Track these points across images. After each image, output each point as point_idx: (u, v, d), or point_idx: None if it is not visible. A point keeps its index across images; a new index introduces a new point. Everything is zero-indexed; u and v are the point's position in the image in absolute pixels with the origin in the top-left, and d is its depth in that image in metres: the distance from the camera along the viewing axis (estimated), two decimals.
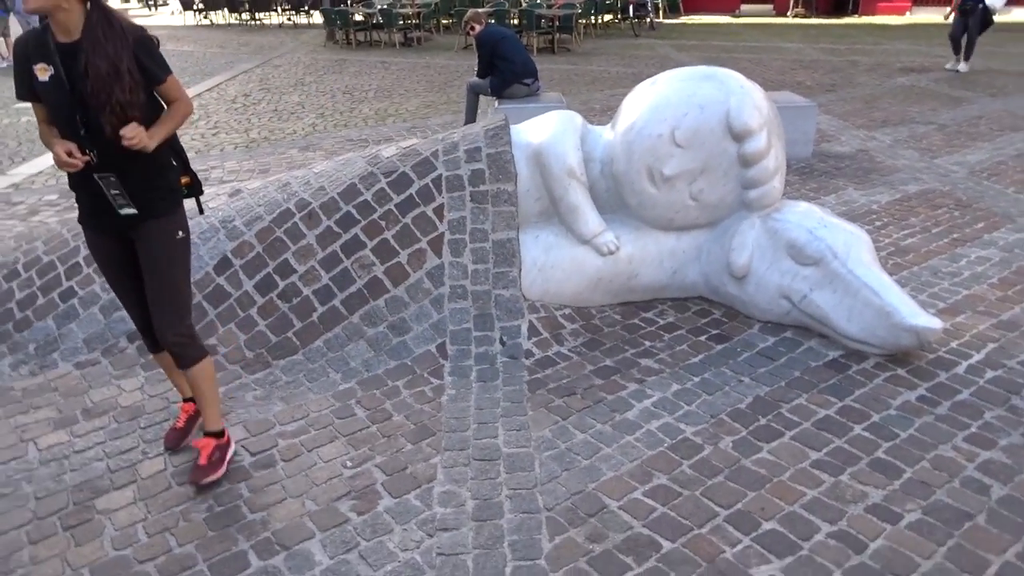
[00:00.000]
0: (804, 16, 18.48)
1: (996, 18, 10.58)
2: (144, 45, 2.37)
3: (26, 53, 2.34)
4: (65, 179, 2.48)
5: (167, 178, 2.57)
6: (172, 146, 2.58)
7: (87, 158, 2.34)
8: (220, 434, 2.78)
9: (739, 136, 3.53)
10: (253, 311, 3.64)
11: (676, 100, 3.62)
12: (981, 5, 10.19)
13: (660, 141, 3.59)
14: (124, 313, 3.65)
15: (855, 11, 18.83)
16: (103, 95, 2.28)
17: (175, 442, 2.89)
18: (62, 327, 3.69)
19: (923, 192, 5.58)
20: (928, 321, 3.19)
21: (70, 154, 2.30)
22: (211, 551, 2.38)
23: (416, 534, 2.41)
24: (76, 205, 2.60)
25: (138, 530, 2.48)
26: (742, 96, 3.56)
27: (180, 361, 2.67)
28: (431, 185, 3.82)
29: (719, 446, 2.80)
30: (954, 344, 3.43)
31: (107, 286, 3.71)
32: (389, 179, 3.87)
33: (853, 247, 3.46)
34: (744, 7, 19.90)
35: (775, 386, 3.16)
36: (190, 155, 7.46)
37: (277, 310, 3.64)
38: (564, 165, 3.72)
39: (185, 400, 3.00)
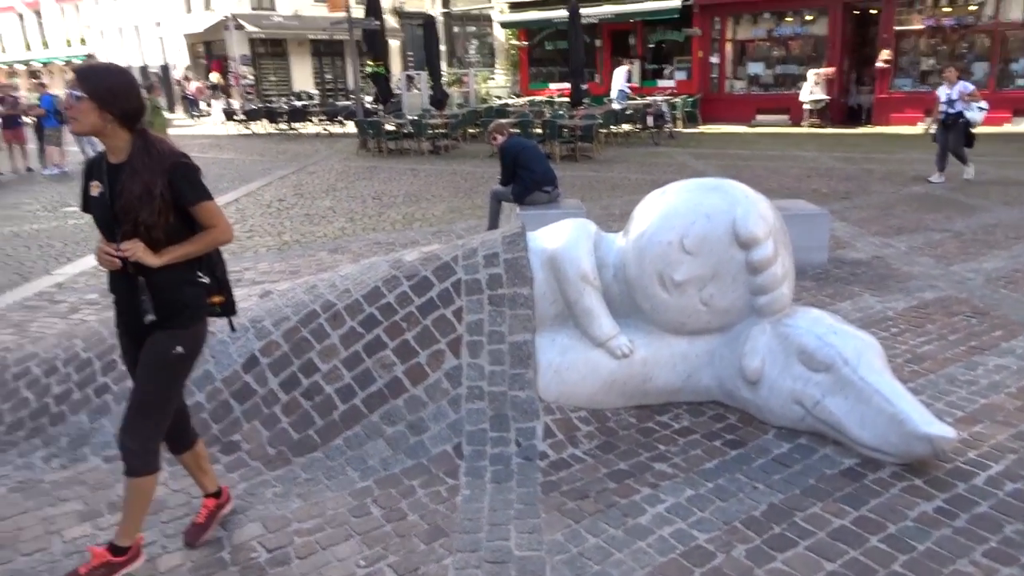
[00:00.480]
0: (819, 126, 19.06)
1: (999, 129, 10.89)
2: (180, 169, 2.58)
3: (88, 172, 2.70)
4: (106, 279, 2.67)
5: (184, 293, 2.68)
6: (208, 265, 2.75)
7: (119, 263, 2.56)
8: (122, 551, 2.69)
9: (745, 244, 3.67)
10: (277, 408, 3.75)
11: (684, 209, 3.80)
12: (962, 119, 10.32)
13: (670, 248, 3.74)
14: None
15: (868, 121, 19.42)
16: (132, 214, 2.52)
17: (194, 537, 2.95)
18: (95, 421, 3.82)
19: (940, 299, 5.64)
20: (942, 430, 3.20)
21: (109, 253, 2.54)
22: None
23: None
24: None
25: None
26: (747, 206, 3.72)
27: (125, 467, 2.66)
28: (451, 288, 3.98)
29: (732, 554, 2.79)
30: (972, 454, 3.41)
31: None
32: (411, 282, 4.04)
33: (864, 354, 3.52)
34: (759, 117, 20.59)
35: (789, 494, 3.16)
36: (226, 258, 7.81)
37: (300, 408, 3.74)
38: (578, 270, 3.88)
39: (206, 496, 3.08)
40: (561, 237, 4.03)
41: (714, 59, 21.84)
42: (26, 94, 17.10)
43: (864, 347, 3.55)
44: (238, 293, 4.57)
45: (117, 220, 2.57)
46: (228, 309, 2.87)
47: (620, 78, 20.33)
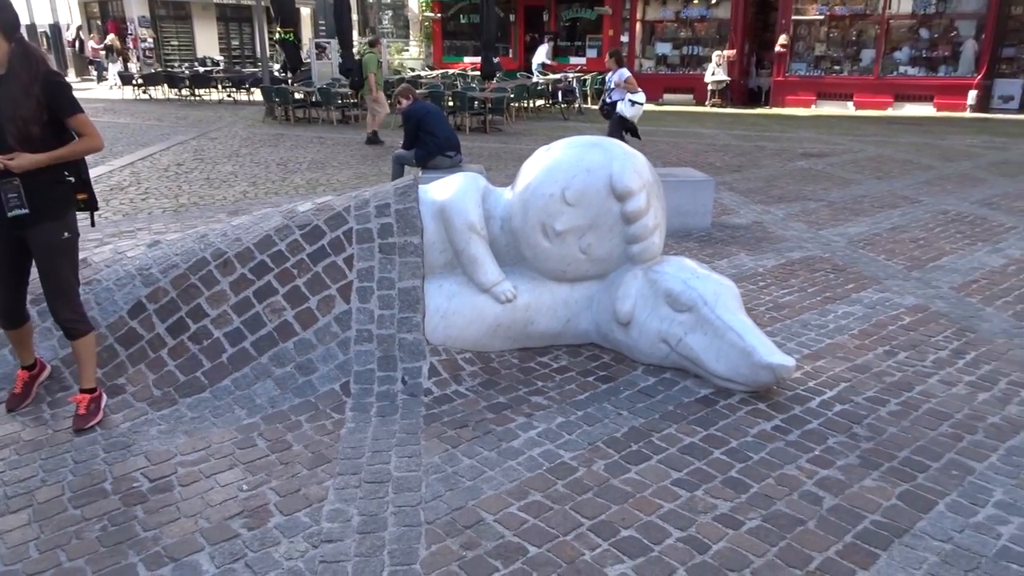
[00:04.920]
0: (720, 106, 19.85)
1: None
2: (54, 86, 3.03)
3: None
4: None
5: (57, 191, 3.19)
6: (75, 168, 3.26)
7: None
8: (93, 389, 3.42)
9: (621, 196, 3.94)
10: (163, 352, 3.79)
11: (566, 164, 4.04)
12: (618, 114, 9.55)
13: (552, 200, 3.97)
14: None
15: (767, 103, 20.37)
16: (9, 111, 2.95)
17: (15, 404, 3.48)
18: None
19: (805, 258, 6.13)
20: (783, 359, 3.57)
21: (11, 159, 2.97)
22: (100, 564, 2.49)
23: (302, 545, 2.58)
24: None
25: (30, 547, 2.57)
26: (624, 161, 3.99)
27: (69, 335, 3.33)
28: (342, 237, 4.09)
29: (592, 468, 3.06)
30: (812, 383, 3.82)
31: None
32: (303, 231, 4.13)
33: (721, 295, 3.86)
34: (667, 96, 21.26)
35: (649, 418, 3.47)
36: (117, 218, 7.64)
37: (187, 351, 3.79)
38: (465, 220, 4.06)
39: (23, 368, 3.55)
40: (450, 189, 4.20)
41: (624, 38, 22.32)
42: None
43: (722, 289, 3.88)
44: (127, 243, 4.56)
45: (1, 125, 2.98)
46: (91, 204, 3.41)
47: (542, 54, 20.74)
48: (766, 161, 11.38)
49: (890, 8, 18.79)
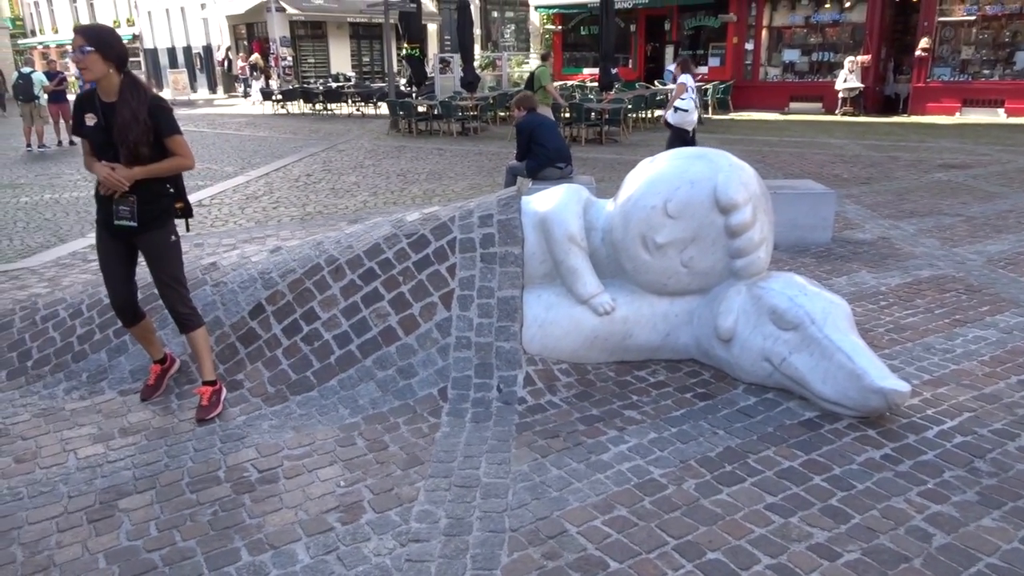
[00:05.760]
0: (852, 114, 18.82)
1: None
2: (157, 108, 3.37)
3: (80, 105, 3.43)
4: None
5: (160, 202, 3.54)
6: (175, 182, 3.61)
7: (125, 186, 3.36)
8: (214, 382, 3.71)
9: (725, 209, 3.84)
10: (279, 352, 4.04)
11: (669, 176, 3.98)
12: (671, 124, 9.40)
13: (654, 212, 3.92)
14: None
15: (905, 111, 19.12)
16: (124, 134, 3.31)
17: (148, 395, 3.84)
18: (113, 359, 4.15)
19: (935, 277, 5.71)
20: (896, 384, 3.35)
21: (113, 169, 3.33)
22: (209, 546, 2.69)
23: (390, 543, 2.67)
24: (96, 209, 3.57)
25: (150, 526, 2.81)
26: (729, 173, 3.88)
27: (183, 327, 3.66)
28: (446, 246, 4.22)
29: (682, 487, 2.99)
30: (930, 411, 3.55)
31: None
32: (409, 240, 4.29)
33: (831, 314, 3.67)
34: (793, 105, 20.41)
35: (747, 439, 3.34)
36: (250, 225, 8.21)
37: (299, 352, 4.02)
38: (565, 231, 4.08)
39: (155, 362, 3.91)
40: (552, 200, 4.23)
41: (749, 46, 21.66)
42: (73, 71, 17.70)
43: (831, 307, 3.69)
44: (253, 248, 4.90)
45: (113, 145, 3.34)
46: (187, 212, 3.74)
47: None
48: (899, 173, 10.69)
49: None
